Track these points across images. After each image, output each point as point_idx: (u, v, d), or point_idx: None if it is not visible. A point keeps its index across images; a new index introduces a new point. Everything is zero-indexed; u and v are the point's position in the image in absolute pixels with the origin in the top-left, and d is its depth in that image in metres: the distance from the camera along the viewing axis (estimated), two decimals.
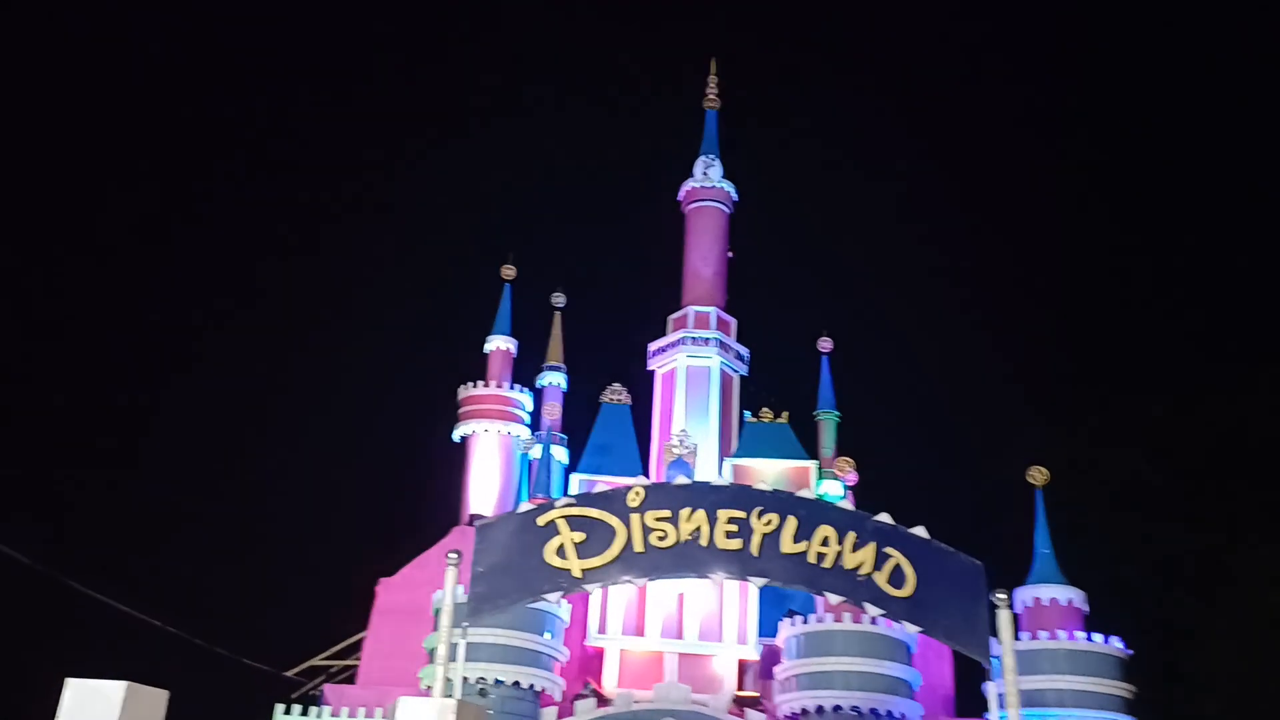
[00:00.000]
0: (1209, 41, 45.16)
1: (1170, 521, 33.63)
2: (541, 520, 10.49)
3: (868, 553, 10.29)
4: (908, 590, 10.06)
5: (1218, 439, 32.45)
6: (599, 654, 21.85)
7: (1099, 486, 34.14)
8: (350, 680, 23.00)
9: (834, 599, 10.34)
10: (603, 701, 19.81)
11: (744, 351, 26.95)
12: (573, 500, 10.68)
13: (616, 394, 26.28)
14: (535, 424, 27.08)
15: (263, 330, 45.35)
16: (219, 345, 45.24)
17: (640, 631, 21.52)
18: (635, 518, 10.75)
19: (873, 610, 9.94)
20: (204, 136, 48.68)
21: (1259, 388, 32.44)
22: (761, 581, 10.68)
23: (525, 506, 9.57)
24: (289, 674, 25.84)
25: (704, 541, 10.71)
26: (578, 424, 27.65)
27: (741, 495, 11.06)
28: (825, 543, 10.38)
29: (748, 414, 25.85)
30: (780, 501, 11.03)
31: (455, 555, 9.51)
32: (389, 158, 52.41)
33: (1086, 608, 19.68)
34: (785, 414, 25.43)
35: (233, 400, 43.62)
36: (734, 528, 10.63)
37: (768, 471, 23.39)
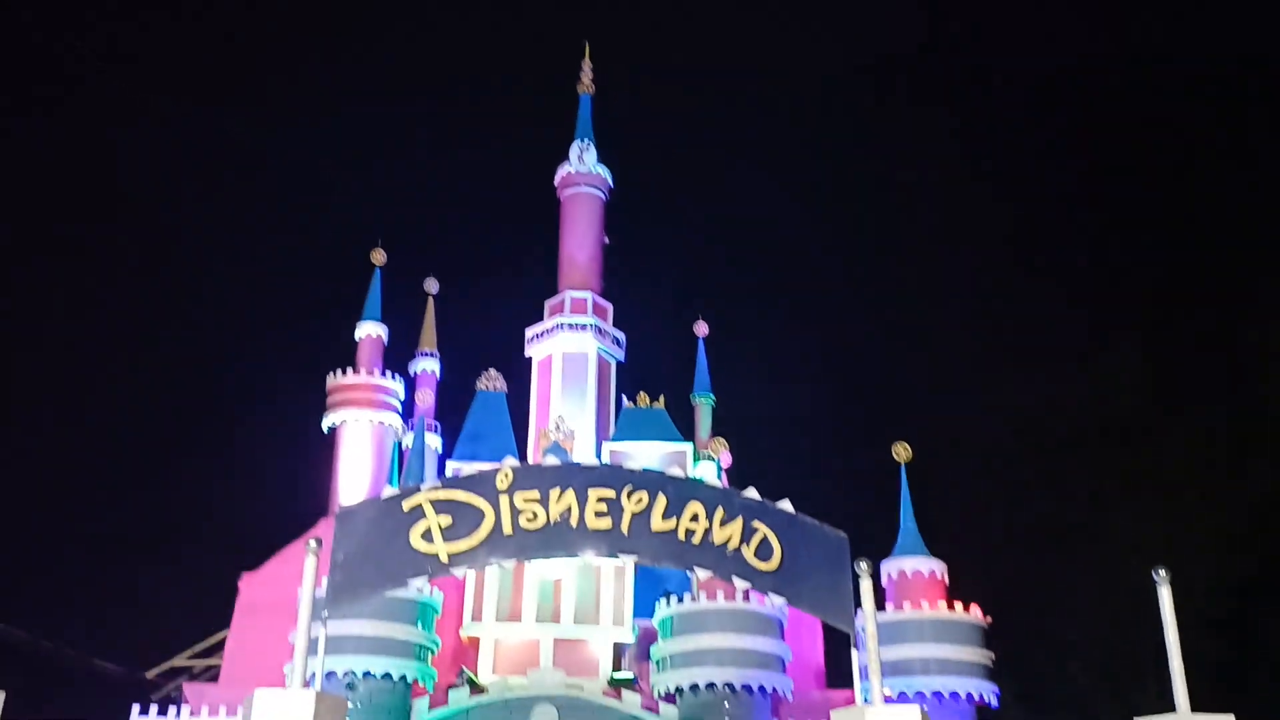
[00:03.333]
0: None
1: (1033, 493, 35.12)
2: (406, 505, 10.15)
3: (735, 527, 10.31)
4: (774, 563, 10.12)
5: (1080, 413, 34.01)
6: (475, 643, 21.59)
7: (964, 462, 35.46)
8: (214, 680, 22.15)
9: (703, 574, 10.32)
10: (477, 689, 19.57)
11: (620, 337, 26.95)
12: (438, 484, 10.40)
13: (491, 380, 25.97)
14: (409, 412, 26.54)
15: (128, 323, 43.42)
16: (79, 342, 43.12)
17: (516, 618, 21.36)
18: (504, 499, 10.53)
19: (740, 584, 9.99)
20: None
21: (1117, 363, 34.16)
22: (631, 559, 10.58)
23: (389, 492, 9.28)
24: (149, 675, 24.72)
25: (574, 522, 10.55)
26: (452, 412, 27.25)
27: (611, 475, 10.95)
28: (694, 519, 10.35)
29: (625, 399, 25.90)
30: (649, 480, 10.96)
31: (315, 543, 9.15)
32: (259, 139, 50.66)
33: (948, 579, 20.39)
34: (661, 398, 25.57)
35: (92, 391, 41.60)
36: (604, 507, 10.51)
37: (645, 455, 23.48)
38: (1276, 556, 29.96)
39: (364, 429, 25.50)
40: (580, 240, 27.65)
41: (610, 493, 10.29)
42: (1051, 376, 35.19)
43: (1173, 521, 29.95)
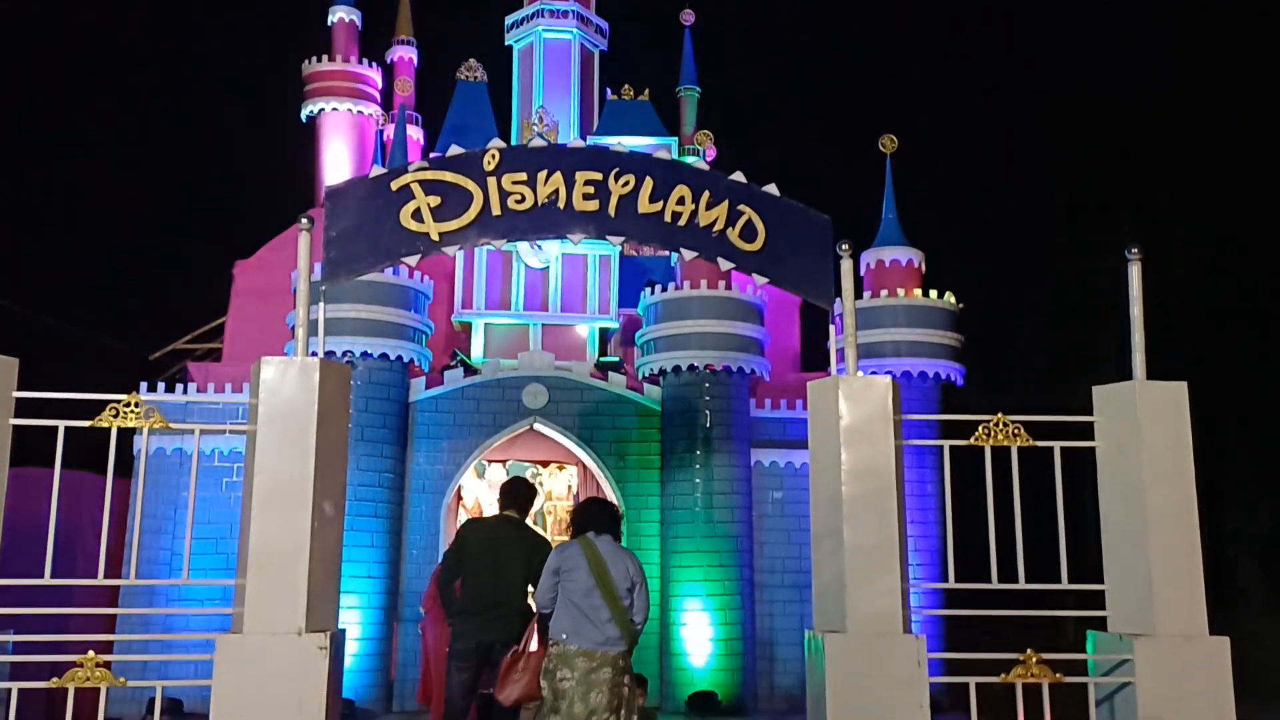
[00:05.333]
0: None
1: (1015, 197, 35.85)
2: (395, 185, 10.06)
3: (721, 210, 10.33)
4: (758, 245, 10.24)
5: (1068, 136, 34.08)
6: (466, 330, 22.38)
7: (950, 160, 35.56)
8: (217, 362, 23.05)
9: (689, 255, 10.53)
10: (470, 370, 20.51)
11: (604, 25, 25.90)
12: (426, 164, 10.27)
13: (472, 71, 25.21)
14: (388, 102, 25.94)
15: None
16: (53, 29, 41.11)
17: (505, 306, 22.05)
18: (492, 181, 10.43)
19: (725, 264, 10.19)
20: None
21: (1115, 91, 33.75)
22: (619, 240, 10.74)
23: (377, 171, 9.27)
24: (151, 358, 25.68)
25: (561, 204, 10.52)
26: (433, 104, 26.68)
27: (598, 157, 10.80)
28: (681, 202, 10.34)
29: (609, 91, 25.29)
30: (636, 162, 10.85)
31: (308, 220, 9.22)
32: None
33: (924, 268, 20.97)
34: (646, 91, 25.00)
35: (79, 82, 40.25)
36: (591, 189, 10.44)
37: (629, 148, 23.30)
38: (1250, 274, 30.90)
39: (343, 118, 25.06)
40: None
41: (597, 175, 10.24)
42: (1044, 93, 34.90)
43: (1151, 236, 30.62)
